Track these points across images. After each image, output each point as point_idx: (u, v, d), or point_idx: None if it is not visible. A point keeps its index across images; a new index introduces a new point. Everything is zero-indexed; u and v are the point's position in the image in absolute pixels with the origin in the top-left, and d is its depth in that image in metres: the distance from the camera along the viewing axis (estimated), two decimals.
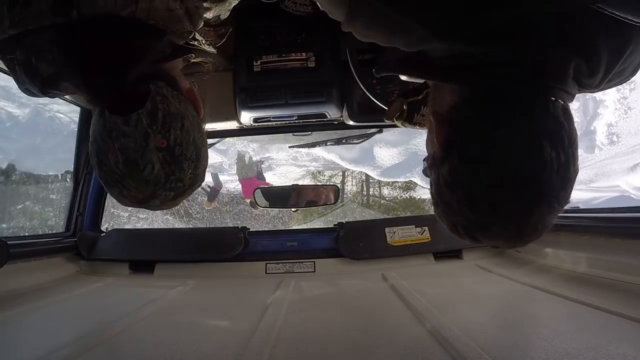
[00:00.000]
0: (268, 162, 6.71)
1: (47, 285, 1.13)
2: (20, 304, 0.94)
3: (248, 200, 6.00)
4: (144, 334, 0.78)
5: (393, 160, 5.76)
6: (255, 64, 1.25)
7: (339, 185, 7.36)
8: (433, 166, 0.51)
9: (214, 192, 6.25)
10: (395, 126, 0.85)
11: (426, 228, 1.32)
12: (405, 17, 0.42)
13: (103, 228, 1.53)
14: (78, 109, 1.39)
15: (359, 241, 1.33)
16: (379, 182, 7.11)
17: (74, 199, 1.43)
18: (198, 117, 0.60)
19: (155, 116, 0.52)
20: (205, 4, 0.66)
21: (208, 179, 6.39)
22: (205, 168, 0.62)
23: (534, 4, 0.39)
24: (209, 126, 1.44)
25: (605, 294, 0.77)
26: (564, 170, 0.43)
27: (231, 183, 6.76)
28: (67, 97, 1.07)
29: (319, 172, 7.41)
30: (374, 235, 1.34)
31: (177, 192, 0.56)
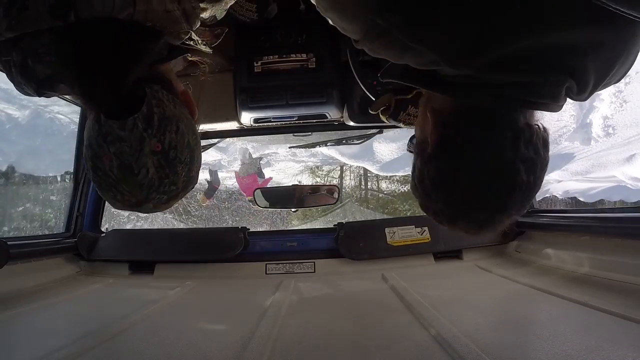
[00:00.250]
0: (267, 158, 6.72)
1: (47, 286, 1.13)
2: (20, 304, 0.94)
3: (249, 198, 6.03)
4: (144, 334, 0.78)
5: (392, 155, 5.78)
6: (255, 64, 1.25)
7: (337, 181, 7.40)
8: (420, 154, 0.56)
9: (212, 189, 6.29)
10: (395, 127, 0.86)
11: (426, 228, 1.32)
12: (419, 45, 0.45)
13: (103, 228, 1.53)
14: (78, 109, 1.40)
15: (359, 241, 1.33)
16: (377, 176, 7.13)
17: (74, 199, 1.43)
18: (192, 120, 0.60)
19: (151, 120, 0.52)
20: (202, 5, 0.66)
21: (206, 176, 6.46)
22: (199, 170, 0.62)
23: (538, 36, 0.42)
24: (210, 126, 1.44)
25: (606, 294, 0.77)
26: (530, 192, 0.51)
27: (229, 180, 6.78)
28: (66, 97, 1.07)
29: (318, 167, 7.44)
30: (374, 235, 1.34)
31: (170, 195, 0.56)
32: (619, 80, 0.51)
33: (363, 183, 7.65)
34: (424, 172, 0.54)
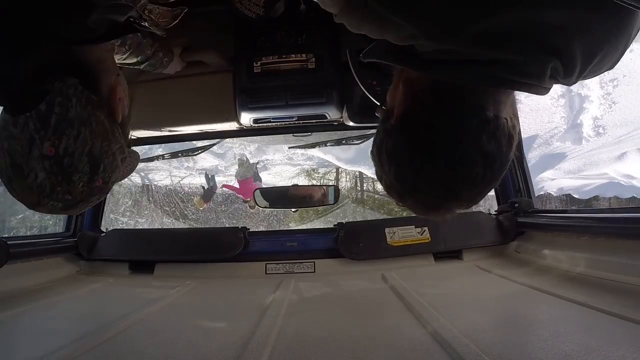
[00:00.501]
0: (263, 163, 6.76)
1: (47, 285, 1.13)
2: (20, 304, 0.94)
3: (246, 200, 6.09)
4: (144, 334, 0.78)
5: None
6: (255, 65, 1.25)
7: (334, 183, 7.43)
8: (383, 122, 0.54)
9: (209, 193, 6.34)
10: None
11: (426, 228, 1.32)
12: (397, 16, 0.43)
13: (103, 228, 1.53)
14: None
15: (358, 241, 1.33)
16: (373, 178, 7.14)
17: None
18: (111, 125, 0.54)
19: (47, 121, 0.47)
20: None
21: (202, 180, 6.53)
22: (110, 180, 0.56)
23: (527, 10, 0.40)
24: (209, 127, 1.44)
25: (605, 294, 0.77)
26: (485, 186, 0.49)
27: (227, 184, 6.84)
28: None
29: (314, 170, 7.46)
30: (374, 235, 1.34)
31: (66, 204, 0.52)
32: (610, 68, 0.50)
33: (359, 185, 7.67)
34: (383, 143, 0.52)
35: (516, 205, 1.32)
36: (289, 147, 3.77)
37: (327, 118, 1.34)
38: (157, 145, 3.07)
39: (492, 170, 0.48)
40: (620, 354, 0.53)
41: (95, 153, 0.52)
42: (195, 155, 2.17)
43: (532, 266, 1.10)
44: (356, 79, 1.15)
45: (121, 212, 7.07)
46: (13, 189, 0.51)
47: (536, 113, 4.46)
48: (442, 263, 1.29)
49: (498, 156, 0.47)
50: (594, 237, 0.94)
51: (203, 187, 6.40)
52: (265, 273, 1.31)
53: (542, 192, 4.71)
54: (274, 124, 1.37)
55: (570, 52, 0.43)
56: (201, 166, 6.68)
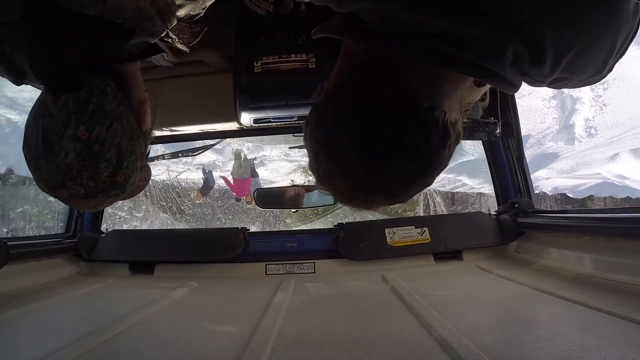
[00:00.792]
0: (260, 159, 6.79)
1: (47, 286, 1.13)
2: (20, 304, 0.94)
3: (242, 198, 6.16)
4: (144, 335, 0.78)
5: None
6: (255, 65, 1.25)
7: None
8: (316, 94, 0.49)
9: (207, 187, 6.43)
10: None
11: (426, 229, 1.32)
12: None
13: (103, 229, 1.53)
14: None
15: (359, 242, 1.33)
16: None
17: None
18: (137, 129, 0.58)
19: (85, 106, 0.51)
20: (177, 1, 0.65)
21: (200, 175, 6.63)
22: (130, 179, 0.58)
23: None
24: (209, 127, 1.44)
25: (606, 295, 0.77)
26: (408, 181, 0.44)
27: (222, 180, 6.93)
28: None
29: None
30: (374, 236, 1.34)
31: (88, 191, 0.54)
32: (598, 73, 0.44)
33: None
34: (307, 118, 0.49)
35: (516, 205, 1.32)
36: (290, 148, 3.77)
37: None
38: (157, 145, 3.07)
39: (420, 165, 0.43)
40: (620, 354, 0.53)
41: (123, 148, 0.55)
42: (196, 155, 2.17)
43: (532, 266, 1.10)
44: None
45: (118, 207, 7.08)
46: (39, 167, 0.52)
47: (528, 114, 4.53)
48: (442, 263, 1.29)
49: (426, 151, 0.42)
50: (594, 238, 0.94)
51: (204, 180, 6.47)
52: (266, 273, 1.31)
53: (537, 191, 4.78)
54: (274, 124, 1.37)
55: (539, 35, 0.37)
56: (199, 161, 6.72)
